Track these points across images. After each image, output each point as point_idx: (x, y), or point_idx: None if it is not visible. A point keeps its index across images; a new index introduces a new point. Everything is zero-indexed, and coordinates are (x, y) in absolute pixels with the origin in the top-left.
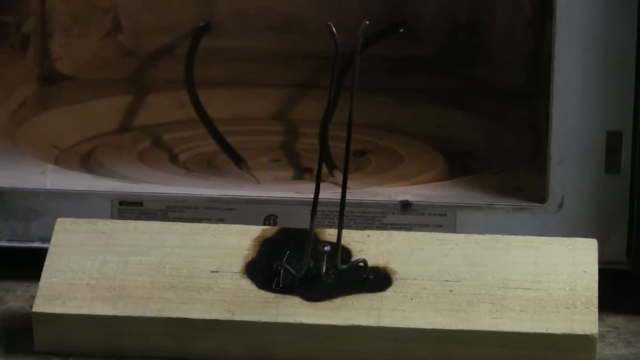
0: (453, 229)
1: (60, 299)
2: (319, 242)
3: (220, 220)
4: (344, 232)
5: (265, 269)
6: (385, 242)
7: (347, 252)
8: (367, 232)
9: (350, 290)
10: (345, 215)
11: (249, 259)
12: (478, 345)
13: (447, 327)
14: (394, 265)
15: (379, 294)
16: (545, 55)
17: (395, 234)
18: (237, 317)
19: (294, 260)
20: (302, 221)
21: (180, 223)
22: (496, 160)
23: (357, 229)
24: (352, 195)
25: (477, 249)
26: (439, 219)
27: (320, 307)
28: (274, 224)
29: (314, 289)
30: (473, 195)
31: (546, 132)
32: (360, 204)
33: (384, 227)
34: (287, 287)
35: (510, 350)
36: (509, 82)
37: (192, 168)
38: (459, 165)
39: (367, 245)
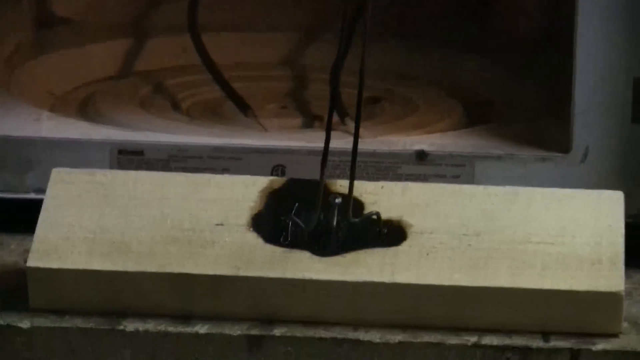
0: (471, 180)
1: (56, 254)
2: (329, 193)
3: (225, 171)
4: (356, 183)
5: (272, 222)
6: (399, 194)
7: (359, 205)
8: (380, 183)
9: (362, 245)
10: (358, 165)
11: (256, 211)
12: (497, 303)
13: (465, 284)
14: (409, 218)
15: (393, 249)
16: None
17: (411, 185)
18: (242, 273)
19: (303, 213)
20: (311, 172)
21: (183, 174)
22: (517, 109)
23: (370, 180)
24: (365, 144)
25: (497, 202)
26: (456, 169)
27: (331, 262)
28: (282, 174)
29: (324, 243)
30: (492, 145)
31: (570, 80)
32: (373, 153)
33: (398, 178)
34: (295, 242)
35: (531, 308)
36: (531, 27)
37: (196, 116)
38: (478, 114)
39: (381, 197)
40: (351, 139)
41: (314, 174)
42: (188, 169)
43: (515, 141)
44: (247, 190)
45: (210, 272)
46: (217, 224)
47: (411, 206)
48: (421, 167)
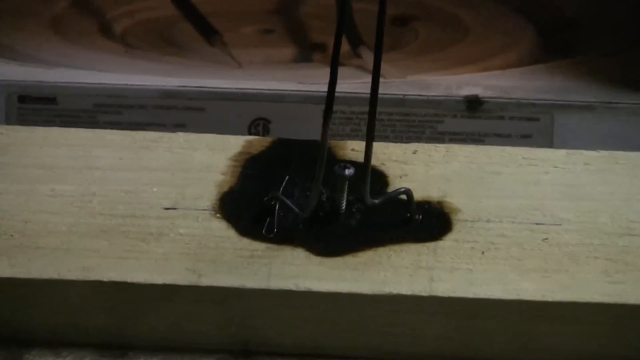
0: (549, 142)
1: None
2: (336, 161)
3: (180, 127)
4: (377, 145)
5: (250, 205)
6: (441, 162)
7: (381, 178)
8: (412, 145)
9: (385, 239)
10: (379, 119)
11: (226, 188)
12: (587, 324)
13: (539, 298)
14: (455, 198)
15: (431, 245)
16: None
17: (457, 149)
18: (206, 281)
19: (296, 190)
20: (308, 128)
21: (117, 131)
22: (612, 35)
23: (397, 142)
24: (390, 87)
25: (586, 174)
26: (526, 125)
27: (338, 264)
28: (266, 132)
29: (329, 236)
30: (579, 89)
31: None
32: (402, 101)
33: (439, 138)
34: (285, 233)
35: (637, 333)
36: None
37: (136, 44)
38: (557, 42)
39: (413, 167)
40: (368, 78)
41: (314, 133)
42: (124, 125)
43: (609, 83)
44: (212, 157)
45: (157, 280)
46: (167, 207)
47: (458, 181)
48: (473, 121)
